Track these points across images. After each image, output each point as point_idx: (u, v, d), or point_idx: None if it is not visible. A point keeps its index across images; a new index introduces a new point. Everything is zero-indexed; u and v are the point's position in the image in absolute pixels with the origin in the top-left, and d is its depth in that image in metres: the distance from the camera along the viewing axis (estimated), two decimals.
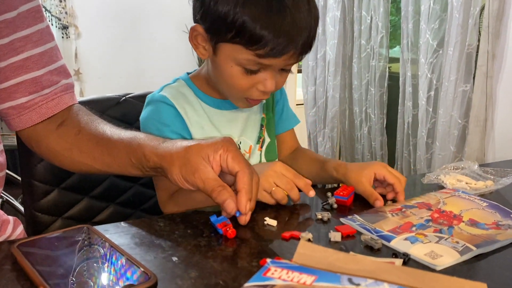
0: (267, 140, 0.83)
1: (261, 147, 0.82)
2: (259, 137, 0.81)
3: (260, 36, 0.62)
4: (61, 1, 2.76)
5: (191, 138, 0.75)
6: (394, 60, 2.02)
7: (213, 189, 0.55)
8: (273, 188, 0.64)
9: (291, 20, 0.63)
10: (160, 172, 0.59)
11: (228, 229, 0.55)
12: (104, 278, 0.45)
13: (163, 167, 0.57)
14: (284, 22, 0.62)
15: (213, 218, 0.57)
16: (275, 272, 0.38)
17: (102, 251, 0.49)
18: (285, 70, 0.70)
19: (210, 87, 0.78)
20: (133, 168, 0.61)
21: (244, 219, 0.56)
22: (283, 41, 0.63)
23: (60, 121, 0.68)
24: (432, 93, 1.68)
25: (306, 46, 0.66)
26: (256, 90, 0.69)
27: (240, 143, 0.79)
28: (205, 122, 0.76)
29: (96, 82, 2.93)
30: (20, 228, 0.74)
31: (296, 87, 2.64)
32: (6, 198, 1.66)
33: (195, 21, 0.70)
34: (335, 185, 0.79)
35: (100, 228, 0.57)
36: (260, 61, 0.65)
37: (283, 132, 0.88)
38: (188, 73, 0.82)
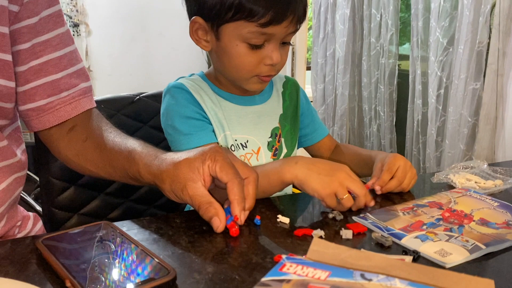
0: (284, 150, 0.84)
1: (274, 155, 0.83)
2: (272, 145, 0.82)
3: (259, 5, 0.66)
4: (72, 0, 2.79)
5: (209, 121, 0.77)
6: (404, 57, 2.02)
7: (200, 206, 0.56)
8: (345, 196, 0.61)
9: None
10: (156, 186, 0.61)
11: (233, 228, 0.56)
12: (125, 271, 0.47)
13: (157, 184, 0.60)
14: None
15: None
16: (291, 268, 0.40)
17: (123, 246, 0.51)
18: (286, 43, 0.73)
19: (221, 84, 0.81)
20: (131, 180, 0.64)
21: (235, 231, 0.56)
22: (282, 6, 0.67)
23: (71, 125, 0.69)
24: (442, 91, 1.68)
25: (303, 11, 0.70)
26: (263, 65, 0.72)
27: (247, 141, 0.80)
28: (218, 110, 0.78)
29: (107, 80, 2.96)
30: (40, 224, 0.77)
31: (305, 85, 2.65)
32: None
33: (192, 15, 0.73)
34: None
35: (118, 224, 0.59)
36: (264, 31, 0.68)
37: (320, 140, 0.92)
38: (203, 72, 0.85)
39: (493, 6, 1.47)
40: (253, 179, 0.59)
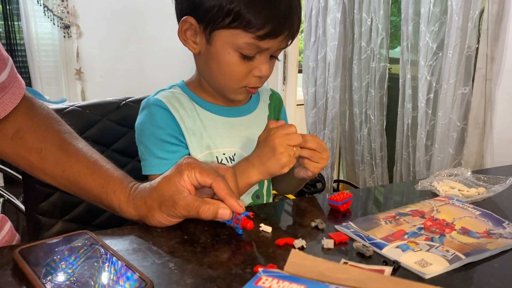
0: None
1: None
2: None
3: (259, 17, 0.64)
4: (63, 1, 2.77)
5: (185, 143, 0.75)
6: (396, 60, 2.03)
7: (198, 209, 0.56)
8: (294, 152, 0.67)
9: (286, 1, 0.66)
10: (135, 219, 0.61)
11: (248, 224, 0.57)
12: (102, 282, 0.46)
13: (142, 216, 0.59)
14: (281, 3, 0.65)
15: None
16: (266, 281, 0.39)
17: (101, 256, 0.51)
18: (274, 57, 0.73)
19: (205, 91, 0.78)
20: (101, 206, 0.63)
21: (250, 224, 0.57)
22: (281, 20, 0.66)
23: (14, 129, 0.62)
24: (432, 95, 1.69)
25: (297, 28, 0.70)
26: (252, 77, 0.71)
27: (235, 154, 0.77)
28: (198, 129, 0.76)
29: (98, 81, 2.94)
30: (8, 226, 0.72)
31: (297, 87, 2.65)
32: (7, 197, 1.68)
33: (183, 14, 0.70)
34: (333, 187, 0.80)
35: (99, 233, 0.58)
36: (259, 44, 0.66)
37: None
38: (183, 81, 0.82)
39: (482, 11, 1.48)
40: (231, 174, 0.61)
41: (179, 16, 0.71)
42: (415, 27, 1.74)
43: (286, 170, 0.68)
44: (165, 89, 0.79)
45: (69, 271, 0.48)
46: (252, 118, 0.81)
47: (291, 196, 2.02)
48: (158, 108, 0.74)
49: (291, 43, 0.72)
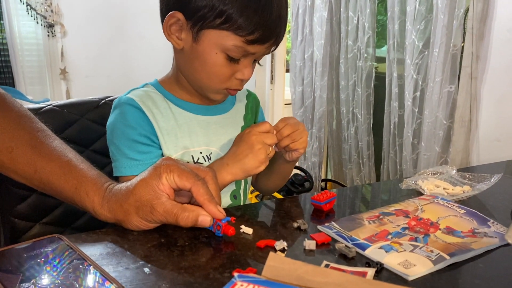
0: None
1: None
2: None
3: (251, 23, 0.64)
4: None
5: (159, 143, 0.73)
6: (382, 59, 2.02)
7: (177, 216, 0.54)
8: (270, 150, 0.69)
9: (277, 8, 0.66)
10: (111, 222, 0.59)
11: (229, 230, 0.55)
12: None
13: (119, 220, 0.57)
14: (272, 12, 0.65)
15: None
16: (241, 287, 0.37)
17: (71, 262, 0.48)
18: (255, 61, 0.72)
19: (181, 89, 0.76)
20: (77, 207, 0.60)
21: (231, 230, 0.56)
22: (271, 27, 0.66)
23: None
24: (418, 93, 1.69)
25: (282, 36, 0.70)
26: (234, 79, 0.70)
27: (211, 153, 0.76)
28: (172, 128, 0.74)
29: (83, 81, 2.89)
30: None
31: (285, 87, 2.64)
32: None
33: (169, 9, 0.68)
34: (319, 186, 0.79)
35: (73, 237, 0.56)
36: (247, 48, 0.66)
37: None
38: (157, 79, 0.80)
39: (467, 10, 1.48)
40: (211, 176, 0.59)
41: (165, 9, 0.69)
42: (401, 25, 1.74)
43: (262, 168, 0.69)
44: (137, 88, 0.77)
45: (39, 277, 0.45)
46: (228, 117, 0.80)
47: (278, 196, 2.00)
48: (130, 107, 0.72)
49: (274, 50, 0.72)
